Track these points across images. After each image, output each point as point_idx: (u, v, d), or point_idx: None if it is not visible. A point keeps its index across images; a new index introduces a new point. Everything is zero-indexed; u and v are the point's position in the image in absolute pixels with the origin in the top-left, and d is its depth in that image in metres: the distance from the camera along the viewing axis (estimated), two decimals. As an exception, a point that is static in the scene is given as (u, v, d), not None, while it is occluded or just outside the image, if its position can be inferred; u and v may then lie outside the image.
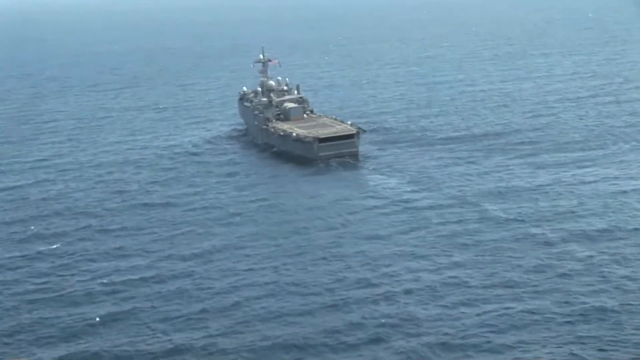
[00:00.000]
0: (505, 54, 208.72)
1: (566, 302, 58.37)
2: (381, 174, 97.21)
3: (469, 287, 62.49)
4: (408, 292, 62.14)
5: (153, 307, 62.41)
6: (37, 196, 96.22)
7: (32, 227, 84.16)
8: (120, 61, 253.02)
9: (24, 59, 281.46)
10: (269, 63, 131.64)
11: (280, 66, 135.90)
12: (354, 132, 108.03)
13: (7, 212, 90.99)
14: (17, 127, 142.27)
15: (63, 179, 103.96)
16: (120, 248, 76.29)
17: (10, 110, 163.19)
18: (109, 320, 60.89)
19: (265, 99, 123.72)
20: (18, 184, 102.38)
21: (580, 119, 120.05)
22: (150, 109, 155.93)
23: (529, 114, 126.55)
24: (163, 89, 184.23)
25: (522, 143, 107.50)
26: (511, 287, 61.94)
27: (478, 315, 57.48)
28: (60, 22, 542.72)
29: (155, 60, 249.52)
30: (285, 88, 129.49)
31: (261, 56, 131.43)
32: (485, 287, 62.33)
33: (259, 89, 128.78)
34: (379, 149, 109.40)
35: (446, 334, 54.75)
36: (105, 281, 68.15)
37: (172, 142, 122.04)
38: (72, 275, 70.23)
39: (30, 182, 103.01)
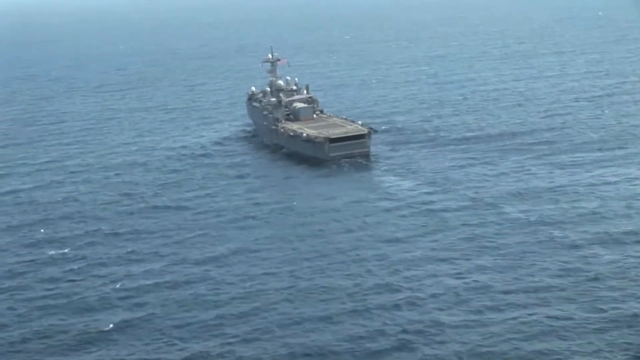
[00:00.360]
0: (515, 53, 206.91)
1: (595, 308, 56.47)
2: (395, 175, 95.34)
3: (494, 291, 60.57)
4: (431, 296, 60.23)
5: (168, 313, 60.54)
6: (45, 199, 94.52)
7: (42, 231, 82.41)
8: (125, 62, 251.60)
9: (28, 59, 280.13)
10: (278, 62, 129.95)
11: (289, 66, 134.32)
12: (365, 132, 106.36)
13: (15, 215, 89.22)
14: (23, 128, 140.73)
15: (71, 181, 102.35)
16: (132, 252, 74.42)
17: (16, 111, 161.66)
18: (123, 327, 59.05)
19: (274, 99, 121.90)
20: (25, 186, 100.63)
21: (597, 118, 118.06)
22: (158, 109, 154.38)
23: (544, 114, 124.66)
24: (170, 89, 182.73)
25: (539, 143, 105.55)
26: (537, 291, 60.05)
27: (504, 321, 55.62)
28: (64, 24, 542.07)
29: (161, 61, 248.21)
30: (294, 88, 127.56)
31: (270, 55, 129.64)
32: (510, 291, 60.43)
33: (268, 88, 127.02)
34: (391, 150, 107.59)
35: (472, 340, 52.83)
36: (117, 286, 66.33)
37: (181, 144, 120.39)
38: (84, 280, 68.40)
39: (37, 184, 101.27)
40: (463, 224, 76.67)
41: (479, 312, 57.55)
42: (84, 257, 74.09)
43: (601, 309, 56.42)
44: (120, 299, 64.22)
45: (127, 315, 60.87)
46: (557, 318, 55.84)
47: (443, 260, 67.91)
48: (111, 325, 59.38)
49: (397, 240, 72.86)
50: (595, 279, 61.72)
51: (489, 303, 59.13)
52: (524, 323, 55.43)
